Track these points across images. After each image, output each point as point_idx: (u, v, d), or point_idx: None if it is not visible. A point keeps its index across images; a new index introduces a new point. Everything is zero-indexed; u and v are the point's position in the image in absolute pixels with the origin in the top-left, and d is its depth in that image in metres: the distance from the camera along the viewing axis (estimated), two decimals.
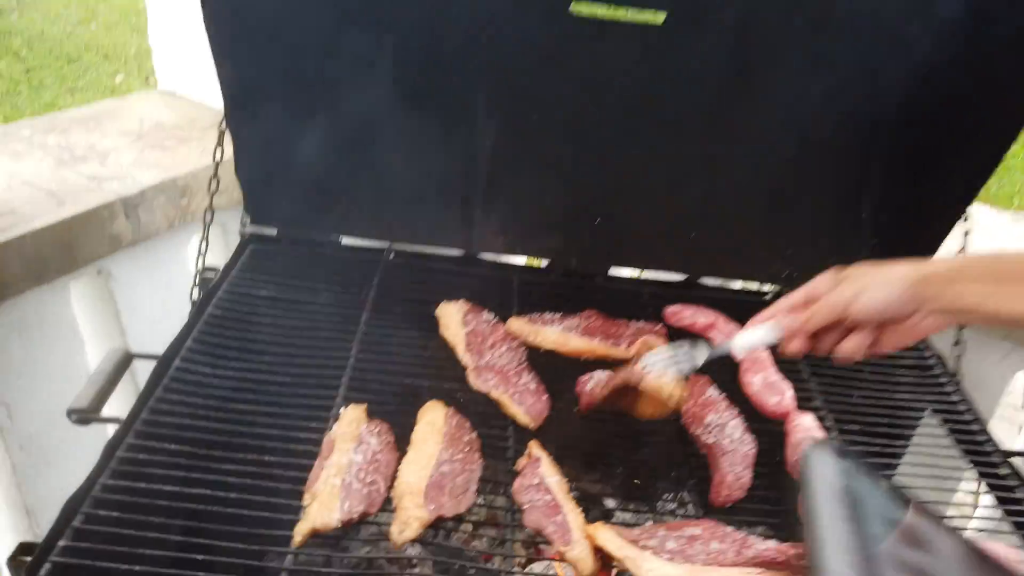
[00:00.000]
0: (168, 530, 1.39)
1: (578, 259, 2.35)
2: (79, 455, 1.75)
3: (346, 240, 2.34)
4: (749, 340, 1.53)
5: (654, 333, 2.06)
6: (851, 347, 1.41)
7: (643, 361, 1.67)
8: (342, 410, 1.70)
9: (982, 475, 1.87)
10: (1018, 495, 1.78)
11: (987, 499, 1.88)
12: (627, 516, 2.03)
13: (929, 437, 1.96)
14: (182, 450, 1.55)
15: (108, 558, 1.32)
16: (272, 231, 2.31)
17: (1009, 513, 1.76)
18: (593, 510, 2.15)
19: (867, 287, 1.35)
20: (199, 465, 1.53)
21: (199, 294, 2.09)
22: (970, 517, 1.89)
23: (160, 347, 1.80)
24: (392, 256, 2.32)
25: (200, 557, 1.36)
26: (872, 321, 1.37)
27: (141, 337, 2.55)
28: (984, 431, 1.95)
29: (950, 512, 2.28)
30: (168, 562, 1.33)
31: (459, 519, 1.53)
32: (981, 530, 1.79)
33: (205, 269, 2.18)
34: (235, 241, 2.30)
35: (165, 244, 2.53)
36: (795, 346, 1.46)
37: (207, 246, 2.14)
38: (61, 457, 2.36)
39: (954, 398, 2.06)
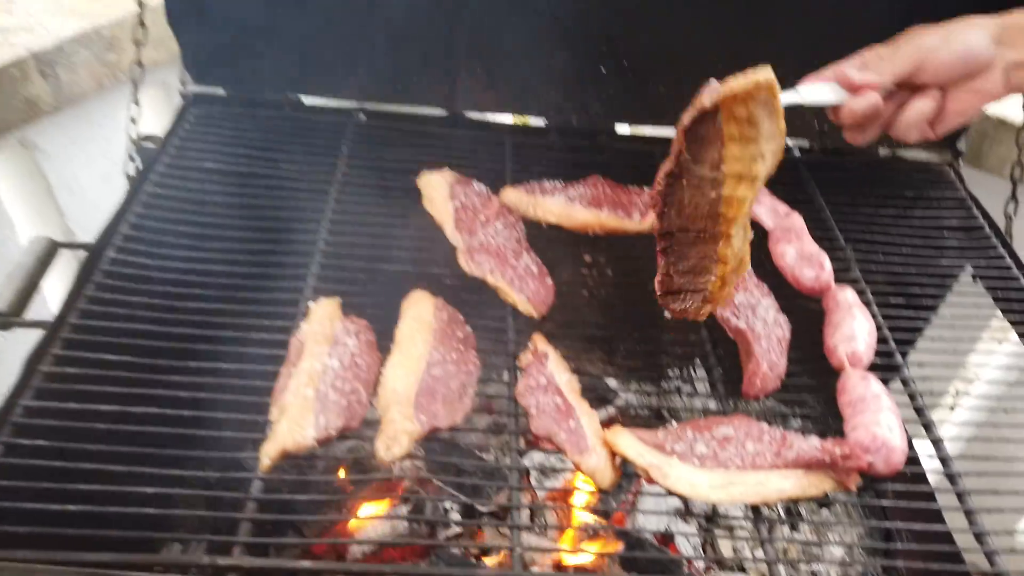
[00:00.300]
0: (107, 459, 1.16)
1: (579, 116, 2.03)
2: None
3: (308, 100, 1.99)
4: (816, 93, 1.28)
5: None
6: (915, 115, 1.27)
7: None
8: (311, 305, 1.44)
9: None
10: None
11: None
12: (646, 413, 1.86)
13: (971, 308, 1.74)
14: (121, 361, 1.30)
15: (33, 497, 1.09)
16: (219, 91, 1.95)
17: None
18: (608, 407, 1.98)
19: (951, 31, 1.25)
20: (142, 378, 1.28)
21: (134, 169, 1.76)
22: (1016, 397, 1.72)
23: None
24: (363, 117, 1.98)
25: (150, 491, 1.14)
26: (947, 76, 1.26)
27: (85, 222, 2.24)
28: None
29: (987, 387, 2.13)
30: (109, 498, 1.11)
31: (455, 429, 1.31)
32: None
33: (142, 139, 1.85)
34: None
35: (97, 109, 2.17)
36: (860, 106, 1.25)
37: (139, 110, 1.79)
38: None
39: (1006, 262, 1.83)
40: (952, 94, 1.27)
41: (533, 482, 1.93)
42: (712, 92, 1.12)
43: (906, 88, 1.28)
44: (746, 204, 1.20)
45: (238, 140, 1.80)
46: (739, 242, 1.26)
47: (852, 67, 1.27)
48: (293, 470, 1.68)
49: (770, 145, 1.16)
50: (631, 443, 1.30)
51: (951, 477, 1.38)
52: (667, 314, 1.37)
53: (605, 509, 1.90)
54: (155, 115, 2.29)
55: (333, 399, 1.26)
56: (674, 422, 1.85)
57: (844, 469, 1.29)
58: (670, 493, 1.26)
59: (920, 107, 1.27)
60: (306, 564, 1.11)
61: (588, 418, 1.33)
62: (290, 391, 1.27)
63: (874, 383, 1.43)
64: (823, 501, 2.17)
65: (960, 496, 1.36)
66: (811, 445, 1.32)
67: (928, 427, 1.47)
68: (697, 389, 2.25)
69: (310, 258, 1.57)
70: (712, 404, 1.50)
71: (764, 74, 1.09)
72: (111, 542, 1.07)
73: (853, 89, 1.26)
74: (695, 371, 2.20)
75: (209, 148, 1.77)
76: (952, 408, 2.40)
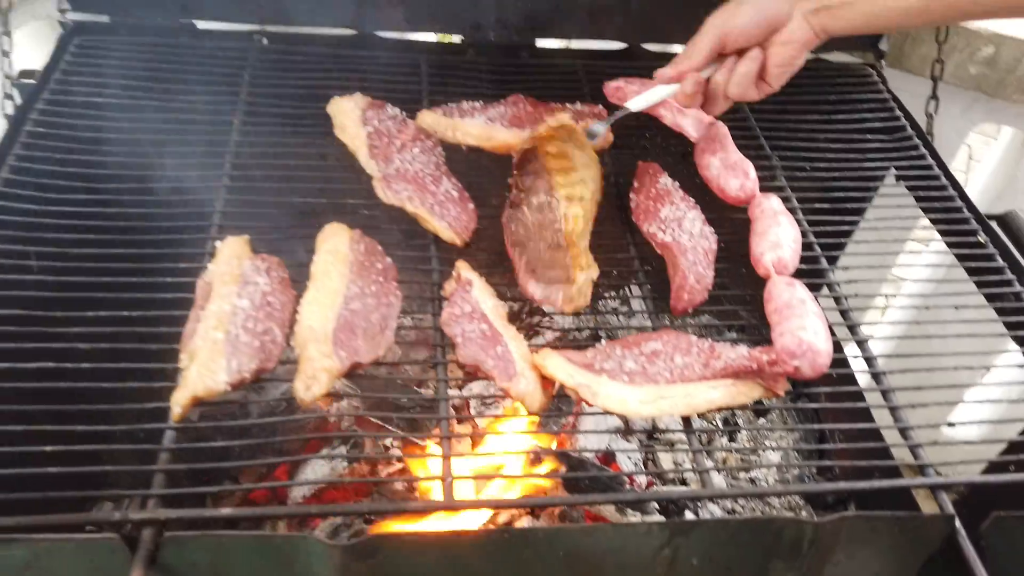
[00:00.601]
0: (3, 419, 1.08)
1: (497, 32, 1.93)
2: None
3: (202, 24, 1.84)
4: (645, 98, 1.49)
5: (594, 116, 1.72)
6: (739, 78, 1.39)
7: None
8: (217, 244, 1.36)
9: (952, 245, 1.70)
10: (995, 264, 1.62)
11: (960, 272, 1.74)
12: (585, 336, 1.84)
13: (894, 208, 1.75)
14: (11, 315, 1.21)
15: None
16: (103, 18, 1.79)
17: (981, 284, 1.61)
18: (545, 333, 1.95)
19: (741, 3, 1.37)
20: (36, 332, 1.19)
21: (12, 108, 1.61)
22: (940, 295, 1.75)
23: None
24: (265, 42, 1.85)
25: (50, 448, 1.07)
26: (751, 37, 1.37)
27: None
28: (959, 196, 1.75)
29: (912, 287, 2.17)
30: (10, 460, 1.04)
31: (378, 363, 1.26)
32: (957, 307, 1.65)
33: (21, 74, 1.69)
34: None
35: None
36: (687, 88, 1.42)
37: (11, 43, 1.63)
38: None
39: (926, 161, 1.83)
40: (768, 51, 1.38)
41: (473, 411, 1.92)
42: (525, 139, 1.49)
43: (731, 56, 1.41)
44: (580, 219, 1.48)
45: (128, 71, 1.65)
46: (584, 250, 1.47)
47: (667, 66, 1.44)
48: (227, 418, 1.64)
49: (588, 171, 1.53)
50: (560, 364, 1.28)
51: (876, 376, 1.41)
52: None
53: (547, 432, 1.90)
54: (41, 49, 2.10)
55: (244, 341, 1.20)
56: (604, 339, 1.84)
57: (771, 375, 1.30)
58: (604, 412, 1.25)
59: (741, 70, 1.38)
60: (225, 511, 1.06)
61: (515, 343, 1.30)
62: (199, 335, 1.20)
63: (799, 289, 1.42)
64: (759, 410, 2.22)
65: (885, 394, 1.38)
66: (738, 354, 1.32)
67: (853, 329, 1.49)
68: (633, 308, 2.24)
69: (215, 195, 1.48)
70: (650, 323, 1.48)
71: (560, 119, 1.46)
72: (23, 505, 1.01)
73: (676, 80, 1.43)
74: (630, 290, 2.19)
75: (95, 81, 1.63)
76: (884, 310, 2.47)
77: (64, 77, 1.63)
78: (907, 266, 1.92)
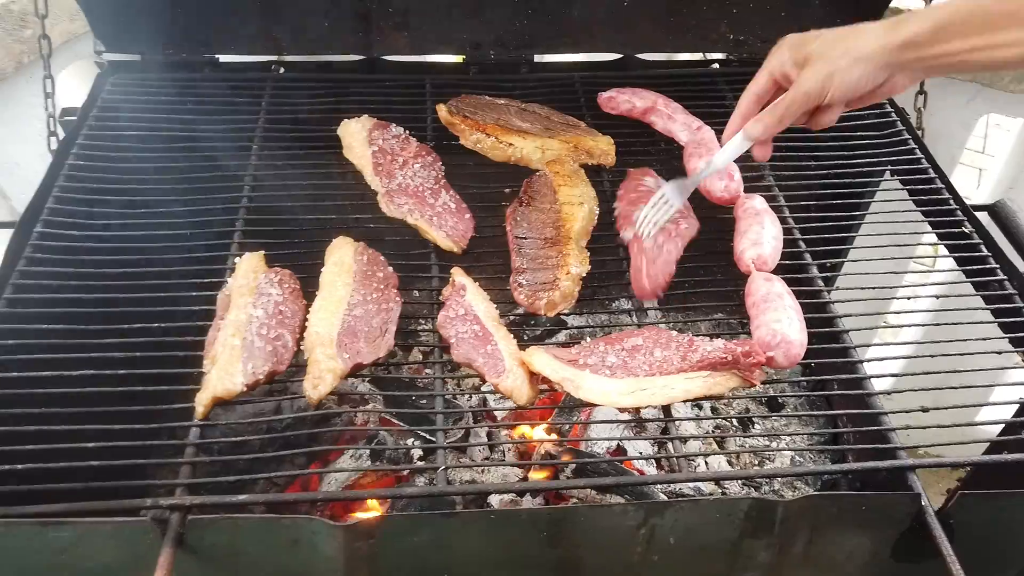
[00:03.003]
0: (50, 420, 1.24)
1: (496, 50, 2.05)
2: None
3: (224, 58, 2.00)
4: (725, 156, 1.42)
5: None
6: (825, 121, 1.33)
7: (635, 227, 1.55)
8: (237, 260, 1.50)
9: (942, 236, 1.75)
10: (980, 253, 1.67)
11: (948, 262, 1.79)
12: (573, 332, 1.93)
13: (889, 203, 1.81)
14: (55, 329, 1.37)
15: None
16: (135, 57, 1.96)
17: (970, 274, 1.66)
18: (558, 335, 2.05)
19: (839, 68, 1.23)
20: (78, 344, 1.35)
21: (56, 143, 1.79)
22: (927, 284, 1.80)
23: None
24: (281, 71, 2.00)
25: (91, 445, 1.22)
26: (846, 100, 1.28)
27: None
28: (946, 188, 1.80)
29: (910, 278, 2.21)
30: (57, 455, 1.19)
31: (379, 364, 1.39)
32: (939, 296, 1.70)
33: (64, 112, 1.87)
34: None
35: (22, 87, 2.17)
36: (768, 137, 1.37)
37: (54, 84, 1.81)
38: None
39: (916, 155, 1.88)
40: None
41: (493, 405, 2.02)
42: (542, 164, 1.76)
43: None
44: (576, 219, 1.62)
45: (157, 105, 1.82)
46: (578, 249, 1.58)
47: (754, 103, 1.37)
48: (261, 426, 1.78)
49: (588, 191, 1.71)
50: (545, 360, 1.38)
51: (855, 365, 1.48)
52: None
53: (559, 428, 2.00)
54: (85, 88, 2.29)
55: (259, 346, 1.33)
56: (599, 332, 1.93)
57: (746, 366, 1.38)
58: (586, 404, 1.35)
59: (831, 115, 1.32)
60: (241, 498, 1.20)
61: (505, 342, 1.41)
62: (219, 342, 1.34)
63: (777, 284, 1.50)
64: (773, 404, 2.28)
65: (863, 381, 1.45)
66: (715, 347, 1.40)
67: (832, 322, 1.55)
68: (621, 307, 2.32)
69: (235, 215, 1.62)
70: (636, 320, 1.58)
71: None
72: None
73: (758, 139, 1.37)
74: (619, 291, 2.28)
75: (128, 115, 1.79)
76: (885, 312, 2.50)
77: (101, 113, 1.80)
78: (905, 259, 1.96)
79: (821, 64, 1.24)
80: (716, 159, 1.44)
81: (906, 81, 1.28)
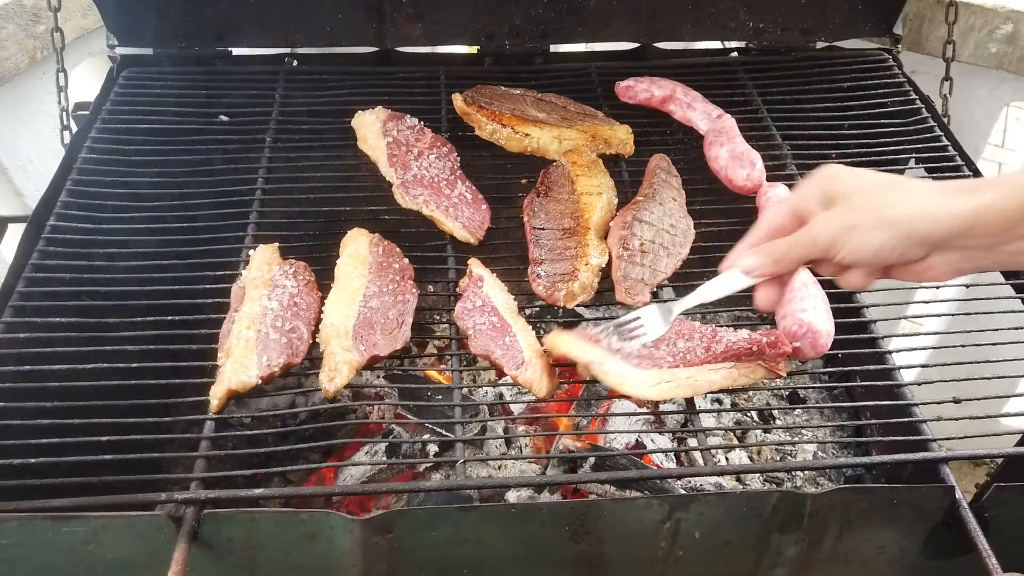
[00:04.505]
0: (65, 414, 1.22)
1: (511, 41, 2.02)
2: None
3: (237, 51, 1.99)
4: (712, 290, 1.14)
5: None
6: (854, 282, 1.04)
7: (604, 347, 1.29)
8: (251, 252, 1.48)
9: None
10: None
11: None
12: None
13: None
14: (69, 323, 1.35)
15: None
16: (148, 51, 1.95)
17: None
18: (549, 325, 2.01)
19: (861, 225, 0.96)
20: (91, 337, 1.33)
21: (69, 137, 1.78)
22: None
23: None
24: (294, 63, 1.99)
25: (106, 439, 1.20)
26: (865, 266, 1.00)
27: None
28: (974, 177, 1.75)
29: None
30: (71, 450, 1.18)
31: (396, 356, 1.36)
32: (968, 285, 1.66)
33: (77, 106, 1.86)
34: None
35: (36, 84, 2.16)
36: (760, 275, 1.08)
37: (67, 78, 1.80)
38: None
39: (942, 143, 1.84)
40: (892, 268, 1.01)
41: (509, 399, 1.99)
42: (559, 155, 1.74)
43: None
44: (594, 210, 1.59)
45: (170, 98, 1.80)
46: (597, 240, 1.55)
47: (767, 233, 1.08)
48: (276, 420, 1.76)
49: (606, 181, 1.67)
50: (572, 342, 1.31)
51: (882, 356, 1.44)
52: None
53: (577, 424, 1.97)
54: (96, 83, 2.29)
55: (274, 338, 1.31)
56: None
57: (771, 356, 1.35)
58: (612, 396, 1.31)
59: (857, 278, 1.03)
60: (257, 492, 1.17)
61: (524, 334, 1.38)
62: (233, 335, 1.32)
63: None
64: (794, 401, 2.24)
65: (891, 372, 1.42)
66: (739, 337, 1.37)
67: (859, 312, 1.51)
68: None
69: (249, 207, 1.60)
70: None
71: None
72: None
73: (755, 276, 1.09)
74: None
75: (141, 108, 1.78)
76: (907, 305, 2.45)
77: (113, 107, 1.78)
78: None
79: (843, 213, 0.98)
80: (703, 289, 1.16)
81: (947, 270, 0.97)
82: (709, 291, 1.15)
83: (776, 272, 1.07)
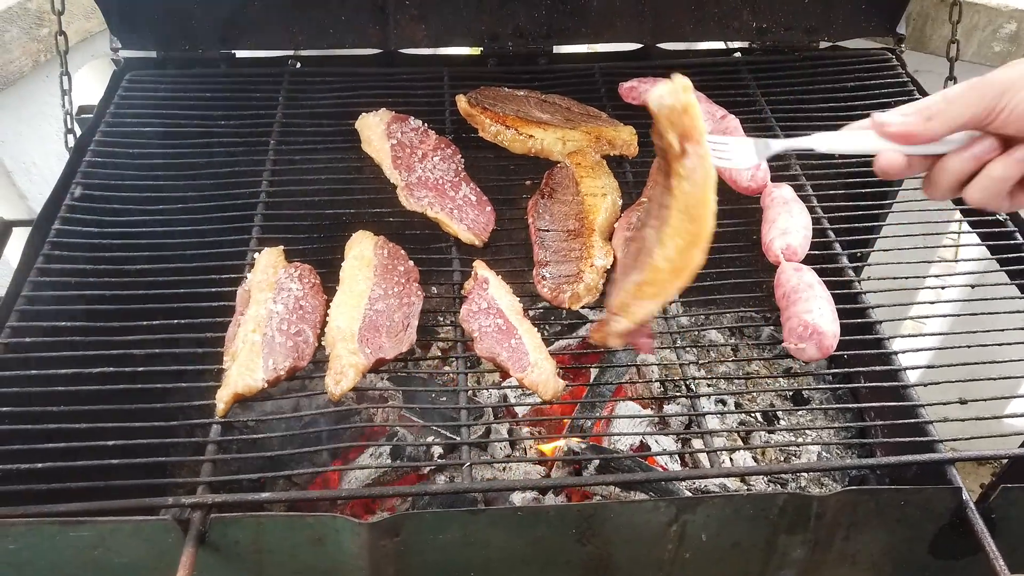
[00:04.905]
0: (71, 419, 1.22)
1: (515, 42, 2.02)
2: None
3: (240, 53, 1.99)
4: (835, 142, 1.05)
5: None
6: (990, 182, 0.91)
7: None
8: (256, 255, 1.48)
9: (975, 223, 1.71)
10: (1015, 241, 1.62)
11: (978, 251, 1.74)
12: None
13: (917, 190, 1.76)
14: (74, 326, 1.35)
15: (5, 459, 1.16)
16: (151, 54, 1.94)
17: (1004, 263, 1.61)
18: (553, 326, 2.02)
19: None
20: (97, 341, 1.33)
21: (73, 141, 1.78)
22: (957, 274, 1.76)
23: None
24: (298, 65, 1.98)
25: (111, 443, 1.20)
26: None
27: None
28: None
29: (940, 267, 2.17)
30: (76, 453, 1.18)
31: (402, 359, 1.36)
32: (973, 285, 1.66)
33: (81, 110, 1.86)
34: None
35: (40, 87, 2.16)
36: (896, 161, 0.96)
37: (71, 81, 1.80)
38: None
39: None
40: None
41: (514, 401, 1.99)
42: (563, 156, 1.72)
43: (987, 139, 0.94)
44: (599, 211, 1.59)
45: (174, 101, 1.80)
46: (601, 242, 1.54)
47: (890, 113, 0.98)
48: (281, 424, 1.76)
49: (611, 182, 1.67)
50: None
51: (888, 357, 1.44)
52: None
53: (581, 425, 1.97)
54: (100, 87, 2.29)
55: (279, 341, 1.31)
56: None
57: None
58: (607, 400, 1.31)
59: (997, 172, 0.92)
60: (264, 495, 1.17)
61: (529, 336, 1.38)
62: (239, 338, 1.32)
63: (807, 274, 1.46)
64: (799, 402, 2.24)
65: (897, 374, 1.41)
66: None
67: (865, 313, 1.51)
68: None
69: (253, 210, 1.60)
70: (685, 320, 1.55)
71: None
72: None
73: (899, 140, 0.97)
74: None
75: (145, 111, 1.78)
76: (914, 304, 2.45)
77: (117, 110, 1.78)
78: (932, 247, 1.92)
79: (1014, 65, 0.90)
80: (818, 136, 1.06)
81: None
82: (823, 140, 1.04)
83: (924, 132, 0.93)
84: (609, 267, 1.51)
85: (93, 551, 1.12)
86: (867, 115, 1.85)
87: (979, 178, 0.93)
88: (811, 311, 1.38)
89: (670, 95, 0.96)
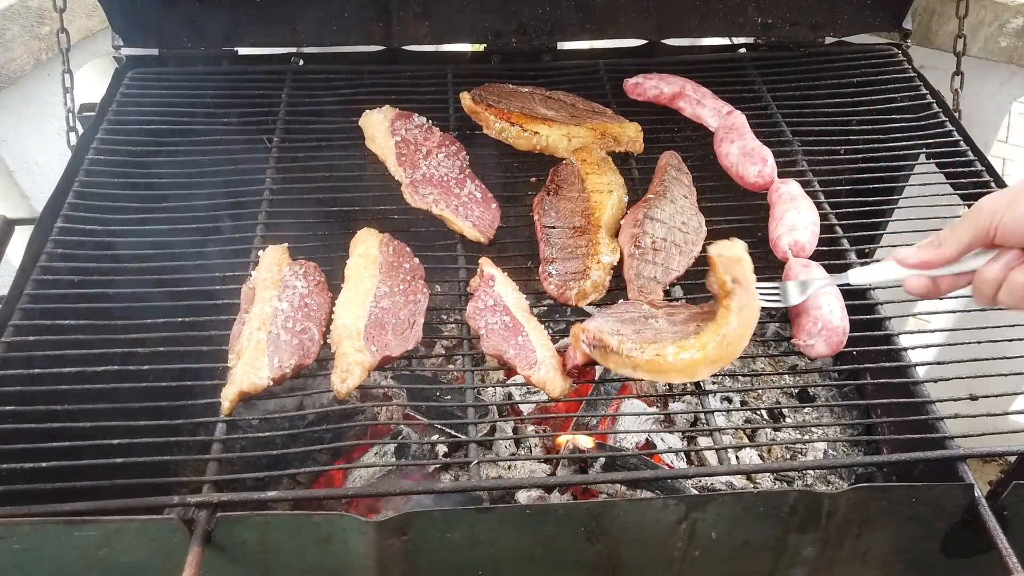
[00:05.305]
0: (76, 417, 1.21)
1: (518, 38, 2.00)
2: None
3: (243, 51, 1.98)
4: (864, 276, 1.22)
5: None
6: (1017, 288, 1.03)
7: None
8: (260, 253, 1.47)
9: None
10: None
11: None
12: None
13: (924, 186, 1.75)
14: (79, 325, 1.34)
15: (4, 459, 1.15)
16: (153, 51, 1.93)
17: None
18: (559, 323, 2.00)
19: (1017, 200, 1.00)
20: (100, 339, 1.32)
21: (75, 139, 1.77)
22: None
23: None
24: (300, 63, 1.97)
25: (116, 442, 1.19)
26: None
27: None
28: (987, 171, 1.74)
29: None
30: (80, 452, 1.17)
31: (407, 357, 1.35)
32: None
33: (83, 108, 1.85)
34: None
35: (41, 86, 2.15)
36: (917, 285, 1.13)
37: (72, 79, 1.79)
38: None
39: (953, 137, 1.82)
40: None
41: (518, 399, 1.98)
42: (568, 153, 1.72)
43: (1009, 252, 1.05)
44: (605, 208, 1.57)
45: (176, 98, 1.79)
46: (608, 238, 1.53)
47: (912, 249, 1.13)
48: (285, 422, 1.76)
49: (616, 179, 1.65)
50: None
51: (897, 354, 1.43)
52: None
53: (587, 423, 1.95)
54: (102, 85, 2.28)
55: (285, 339, 1.30)
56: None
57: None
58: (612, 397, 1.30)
59: (1015, 277, 1.03)
60: (270, 494, 1.16)
61: (536, 333, 1.37)
62: (244, 336, 1.31)
63: (815, 270, 1.45)
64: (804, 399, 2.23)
65: (906, 370, 1.40)
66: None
67: (873, 309, 1.50)
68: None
69: (257, 208, 1.59)
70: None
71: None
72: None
73: (920, 267, 1.12)
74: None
75: (148, 109, 1.77)
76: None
77: (119, 108, 1.77)
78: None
79: (1004, 193, 1.03)
80: (852, 272, 1.25)
81: None
82: (857, 275, 1.24)
83: (938, 257, 1.10)
84: (616, 263, 1.50)
85: (98, 551, 1.11)
86: (873, 111, 1.87)
87: (1004, 284, 1.05)
88: (820, 307, 1.37)
89: (728, 248, 1.21)
